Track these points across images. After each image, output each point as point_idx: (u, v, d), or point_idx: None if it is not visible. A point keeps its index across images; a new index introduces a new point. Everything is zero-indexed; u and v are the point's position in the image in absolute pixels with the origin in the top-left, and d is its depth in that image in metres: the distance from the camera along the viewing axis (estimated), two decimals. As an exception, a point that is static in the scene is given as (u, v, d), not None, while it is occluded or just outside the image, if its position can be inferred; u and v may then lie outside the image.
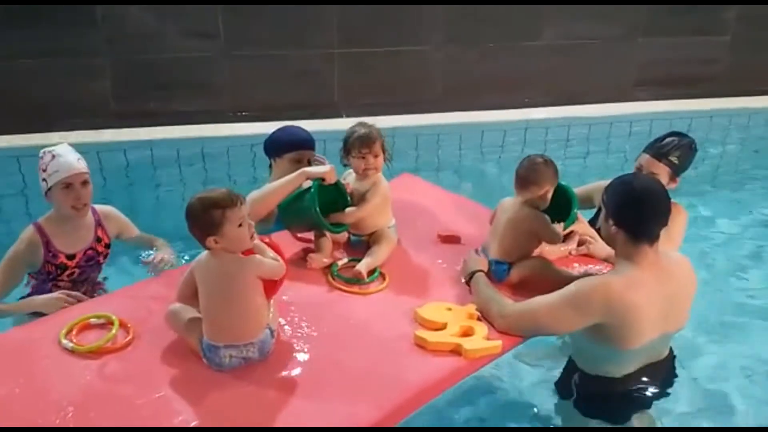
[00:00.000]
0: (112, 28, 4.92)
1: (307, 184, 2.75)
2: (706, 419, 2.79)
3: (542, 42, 5.72)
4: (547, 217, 2.61)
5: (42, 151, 2.66)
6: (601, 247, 2.71)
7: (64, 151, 2.65)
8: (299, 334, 2.29)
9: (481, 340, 2.24)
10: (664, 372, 2.47)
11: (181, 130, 4.80)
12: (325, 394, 2.04)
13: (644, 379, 2.40)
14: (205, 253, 2.12)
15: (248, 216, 2.76)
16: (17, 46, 4.80)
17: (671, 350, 2.49)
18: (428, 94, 5.59)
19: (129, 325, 2.24)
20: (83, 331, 2.24)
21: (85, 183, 2.66)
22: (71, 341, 2.16)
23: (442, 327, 2.29)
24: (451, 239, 2.93)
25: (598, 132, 5.33)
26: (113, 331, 2.17)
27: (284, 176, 2.97)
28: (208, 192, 2.09)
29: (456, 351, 2.21)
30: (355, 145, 2.73)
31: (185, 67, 5.14)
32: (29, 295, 2.75)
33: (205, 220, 2.02)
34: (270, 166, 3.19)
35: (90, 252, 2.78)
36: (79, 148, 2.76)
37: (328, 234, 2.73)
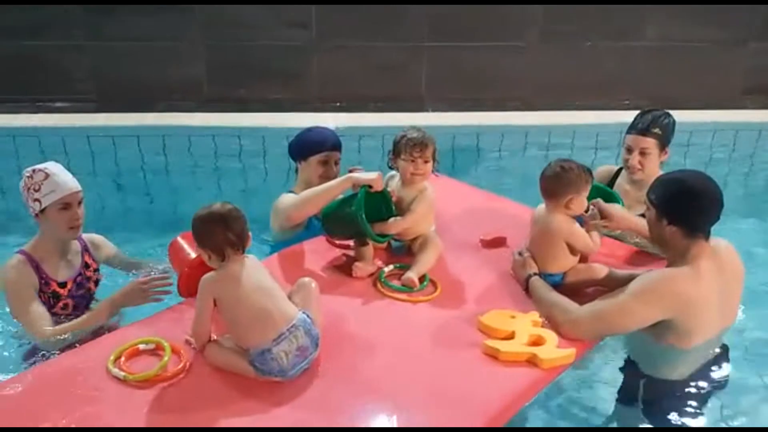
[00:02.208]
0: (209, 15, 5.11)
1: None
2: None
3: (644, 42, 5.48)
4: (578, 226, 2.53)
5: (29, 169, 2.49)
6: (620, 217, 2.63)
7: (57, 169, 2.50)
8: (358, 345, 2.20)
9: (554, 348, 2.16)
10: (722, 365, 2.43)
11: (268, 118, 4.93)
12: (400, 409, 1.95)
13: (708, 375, 2.38)
14: (216, 272, 2.05)
15: (285, 220, 2.76)
16: (118, 29, 5.06)
17: (724, 344, 2.46)
18: (518, 92, 5.44)
19: (181, 351, 2.09)
20: (132, 357, 2.08)
21: (80, 202, 2.52)
22: (121, 369, 2.01)
23: (510, 336, 2.20)
24: (495, 243, 2.82)
25: (699, 139, 5.00)
26: (165, 358, 2.03)
27: (312, 179, 2.92)
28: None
29: (531, 361, 2.12)
30: (406, 148, 2.62)
31: (277, 55, 5.24)
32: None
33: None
34: (296, 170, 3.09)
35: (80, 279, 2.61)
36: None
37: (370, 241, 2.63)
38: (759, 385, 2.71)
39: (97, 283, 2.70)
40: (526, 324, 2.25)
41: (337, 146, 3.03)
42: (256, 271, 2.09)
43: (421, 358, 2.16)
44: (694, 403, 2.34)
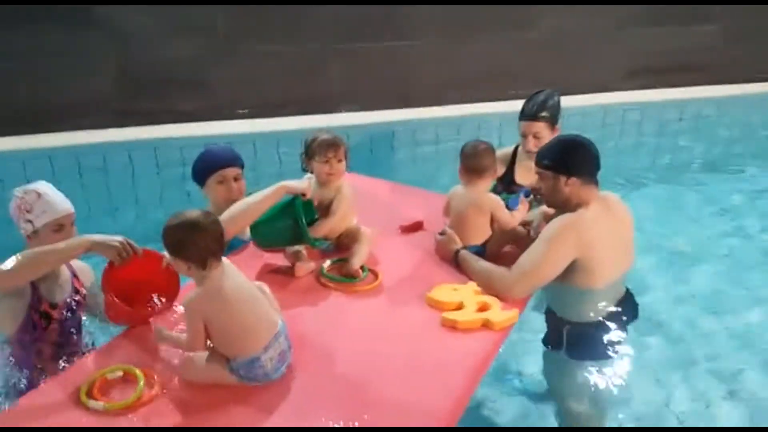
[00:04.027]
0: (112, 27, 4.99)
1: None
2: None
3: (536, 35, 5.83)
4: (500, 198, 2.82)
5: (20, 190, 2.43)
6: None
7: (48, 189, 2.45)
8: (323, 341, 2.25)
9: (500, 311, 2.38)
10: (630, 305, 2.76)
11: (181, 129, 4.92)
12: (389, 391, 2.04)
13: (618, 315, 2.69)
14: (200, 290, 2.00)
15: None
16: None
17: (627, 288, 2.81)
18: (419, 88, 5.63)
19: (152, 374, 2.05)
20: (103, 387, 2.00)
21: (72, 224, 2.46)
22: (98, 401, 1.93)
23: (460, 306, 2.39)
24: (414, 227, 3.00)
25: (590, 120, 5.42)
26: (141, 383, 1.98)
27: (217, 201, 2.88)
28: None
29: (486, 325, 2.32)
30: (320, 150, 2.70)
31: (184, 64, 5.20)
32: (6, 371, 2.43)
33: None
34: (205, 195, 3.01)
35: (70, 301, 2.52)
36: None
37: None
38: (663, 319, 3.33)
39: (83, 308, 2.59)
40: (469, 293, 2.46)
41: (229, 162, 2.95)
42: (237, 277, 2.05)
43: (387, 340, 2.28)
44: (612, 339, 2.66)
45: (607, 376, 2.64)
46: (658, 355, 3.25)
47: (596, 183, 2.61)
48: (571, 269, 2.51)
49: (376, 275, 2.62)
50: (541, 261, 2.49)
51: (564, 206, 2.62)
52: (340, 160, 2.73)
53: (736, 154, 5.73)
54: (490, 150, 2.82)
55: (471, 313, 2.34)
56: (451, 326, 2.31)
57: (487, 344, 2.27)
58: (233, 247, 2.76)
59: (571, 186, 2.56)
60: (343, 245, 2.77)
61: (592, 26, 5.96)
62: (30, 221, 2.39)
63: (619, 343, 2.67)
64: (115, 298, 2.19)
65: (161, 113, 5.02)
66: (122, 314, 2.25)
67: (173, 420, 1.90)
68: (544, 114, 3.30)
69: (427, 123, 5.28)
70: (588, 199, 2.57)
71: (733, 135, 5.97)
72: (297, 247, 2.66)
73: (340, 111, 5.26)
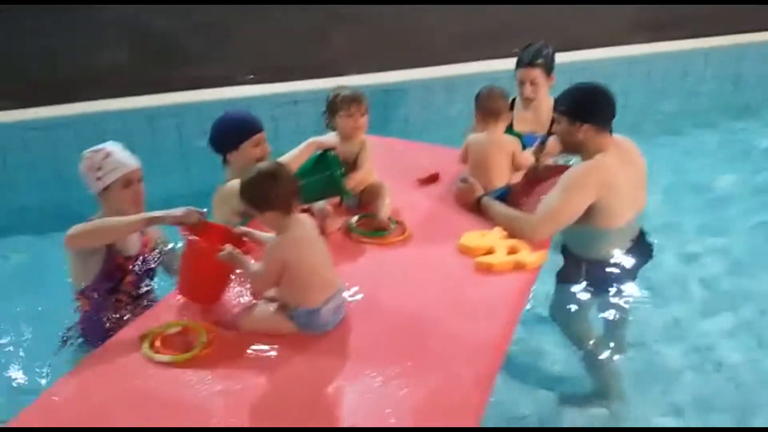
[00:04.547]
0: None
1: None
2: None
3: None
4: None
5: (88, 151, 2.53)
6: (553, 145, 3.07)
7: (116, 147, 2.56)
8: (366, 292, 2.32)
9: (530, 252, 2.51)
10: (644, 244, 2.92)
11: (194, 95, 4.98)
12: (438, 333, 2.14)
13: (634, 252, 2.84)
14: (285, 235, 2.06)
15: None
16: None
17: (641, 228, 2.94)
18: (434, 47, 5.66)
19: (210, 327, 2.12)
20: (165, 342, 2.07)
21: (140, 180, 2.57)
22: (162, 353, 2.00)
23: (490, 250, 2.51)
24: (430, 179, 3.10)
25: (596, 74, 5.46)
26: (203, 336, 2.05)
27: (248, 166, 2.71)
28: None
29: (518, 266, 2.45)
30: (343, 104, 2.77)
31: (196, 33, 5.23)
32: (82, 324, 2.57)
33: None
34: (224, 162, 2.91)
35: (142, 255, 2.64)
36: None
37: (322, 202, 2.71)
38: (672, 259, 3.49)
39: (159, 263, 2.71)
40: (497, 238, 2.58)
41: (260, 125, 2.92)
42: (314, 231, 2.15)
43: (427, 286, 2.38)
44: (625, 275, 2.81)
45: (621, 308, 2.83)
46: (670, 293, 3.44)
47: (610, 130, 2.73)
48: (590, 211, 2.64)
49: (404, 227, 2.70)
50: (564, 204, 2.62)
51: (578, 150, 2.75)
52: (363, 114, 2.80)
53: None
54: (504, 93, 2.96)
55: (503, 256, 2.46)
56: (486, 269, 2.43)
57: (521, 283, 2.40)
58: None
59: (584, 132, 2.68)
60: (365, 201, 2.84)
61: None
62: (100, 178, 2.49)
63: (633, 278, 2.84)
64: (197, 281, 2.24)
65: (176, 81, 5.07)
66: (201, 295, 2.27)
67: (237, 368, 1.98)
68: (539, 61, 3.45)
69: (438, 82, 5.35)
70: (603, 144, 2.69)
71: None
72: (321, 204, 2.70)
73: (350, 74, 5.31)
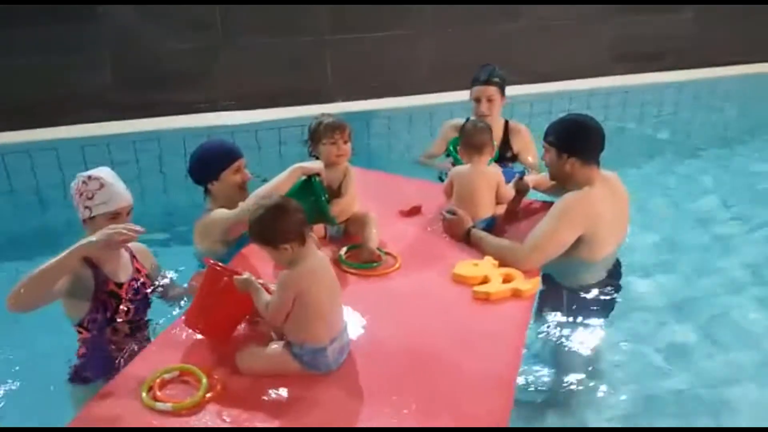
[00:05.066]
0: (111, 22, 5.01)
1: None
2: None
3: (521, 23, 5.97)
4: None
5: (84, 175, 2.47)
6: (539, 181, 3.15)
7: (111, 178, 2.49)
8: (366, 326, 2.28)
9: (525, 280, 2.51)
10: (619, 272, 3.00)
11: (180, 121, 4.96)
12: (444, 367, 2.10)
13: (612, 281, 2.93)
14: (300, 267, 2.00)
15: (228, 233, 2.73)
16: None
17: (618, 259, 3.02)
18: (415, 76, 5.72)
19: (210, 371, 2.02)
20: (163, 387, 1.96)
21: (129, 213, 2.51)
22: (163, 402, 1.89)
23: (485, 279, 2.50)
24: (413, 212, 3.08)
25: (577, 105, 5.56)
26: (204, 381, 1.95)
27: (231, 193, 2.88)
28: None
29: (515, 295, 2.45)
30: (327, 132, 2.74)
31: (184, 58, 5.22)
32: (83, 358, 2.46)
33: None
34: (205, 192, 2.96)
35: (134, 283, 2.55)
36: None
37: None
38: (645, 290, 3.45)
39: (152, 290, 2.66)
40: (491, 267, 2.57)
41: (239, 151, 2.98)
42: (328, 264, 2.08)
43: (427, 318, 2.34)
44: (603, 301, 2.87)
45: (601, 336, 2.87)
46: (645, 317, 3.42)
47: (597, 164, 2.78)
48: (576, 243, 2.68)
49: (395, 258, 2.66)
50: (553, 234, 2.65)
51: (565, 180, 2.80)
52: (346, 141, 2.77)
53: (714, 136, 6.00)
54: (488, 128, 3.01)
55: (500, 285, 2.46)
56: (484, 299, 2.42)
57: (521, 312, 2.40)
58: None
59: (571, 164, 2.74)
60: (351, 231, 2.81)
61: (577, 15, 6.18)
62: (89, 208, 2.43)
63: (613, 305, 2.91)
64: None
65: (160, 105, 5.02)
66: (213, 328, 2.17)
67: (241, 413, 1.89)
68: (496, 79, 3.66)
69: (420, 110, 5.38)
70: (590, 177, 2.74)
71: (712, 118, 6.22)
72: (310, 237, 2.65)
73: (337, 101, 5.35)
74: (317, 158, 2.82)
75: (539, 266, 2.68)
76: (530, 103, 5.52)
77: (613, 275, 2.92)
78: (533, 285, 2.51)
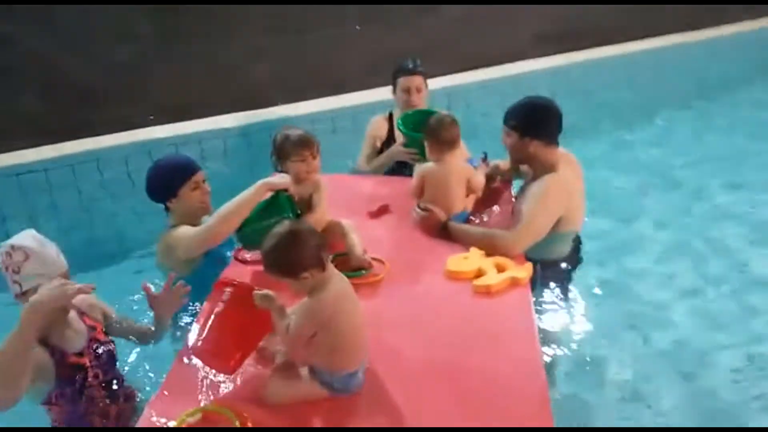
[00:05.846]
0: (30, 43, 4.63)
1: None
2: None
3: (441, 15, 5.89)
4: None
5: (7, 245, 2.19)
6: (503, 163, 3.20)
7: (36, 246, 2.19)
8: (374, 336, 2.15)
9: (518, 267, 2.55)
10: (578, 248, 3.10)
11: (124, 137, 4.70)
12: (470, 372, 2.07)
13: (576, 253, 3.05)
14: (323, 297, 1.88)
15: (195, 249, 2.61)
16: None
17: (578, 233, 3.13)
18: (350, 73, 5.58)
19: (239, 410, 1.90)
20: None
21: (65, 276, 2.22)
22: None
23: (479, 271, 2.52)
24: (381, 211, 3.05)
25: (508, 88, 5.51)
26: (236, 423, 1.84)
27: (192, 209, 2.77)
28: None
29: (514, 283, 2.48)
30: (295, 149, 2.64)
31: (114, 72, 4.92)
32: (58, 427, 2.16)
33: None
34: (165, 210, 2.83)
35: (93, 344, 2.33)
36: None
37: None
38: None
39: (113, 345, 2.44)
40: (481, 258, 2.59)
41: (197, 166, 2.85)
42: (348, 285, 1.95)
43: (433, 318, 2.31)
44: (569, 275, 3.01)
45: (572, 305, 3.01)
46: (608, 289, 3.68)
47: (557, 143, 2.87)
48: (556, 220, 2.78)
49: (382, 262, 2.61)
50: (539, 217, 2.73)
51: (529, 162, 2.88)
52: (315, 157, 2.68)
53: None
54: (455, 121, 2.96)
55: (498, 276, 2.47)
56: (485, 292, 2.43)
57: (523, 299, 2.44)
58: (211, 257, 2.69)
59: (534, 146, 2.81)
60: (328, 242, 2.57)
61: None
62: (17, 282, 2.17)
63: (571, 279, 3.04)
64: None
65: (97, 124, 4.71)
66: (225, 354, 1.99)
67: None
68: (422, 69, 3.66)
69: (360, 107, 5.27)
70: (553, 157, 2.83)
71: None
72: None
73: (277, 104, 5.28)
74: (284, 172, 2.70)
75: (525, 249, 2.73)
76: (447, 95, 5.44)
77: (575, 248, 3.06)
78: (527, 271, 2.55)
